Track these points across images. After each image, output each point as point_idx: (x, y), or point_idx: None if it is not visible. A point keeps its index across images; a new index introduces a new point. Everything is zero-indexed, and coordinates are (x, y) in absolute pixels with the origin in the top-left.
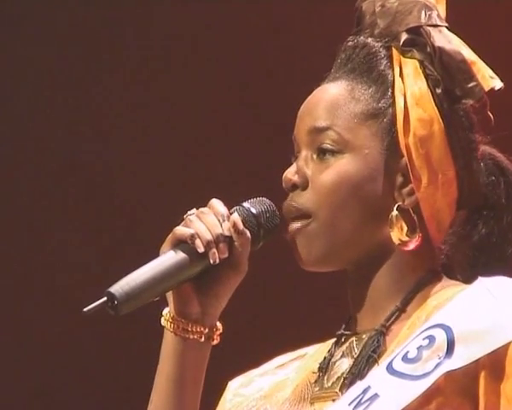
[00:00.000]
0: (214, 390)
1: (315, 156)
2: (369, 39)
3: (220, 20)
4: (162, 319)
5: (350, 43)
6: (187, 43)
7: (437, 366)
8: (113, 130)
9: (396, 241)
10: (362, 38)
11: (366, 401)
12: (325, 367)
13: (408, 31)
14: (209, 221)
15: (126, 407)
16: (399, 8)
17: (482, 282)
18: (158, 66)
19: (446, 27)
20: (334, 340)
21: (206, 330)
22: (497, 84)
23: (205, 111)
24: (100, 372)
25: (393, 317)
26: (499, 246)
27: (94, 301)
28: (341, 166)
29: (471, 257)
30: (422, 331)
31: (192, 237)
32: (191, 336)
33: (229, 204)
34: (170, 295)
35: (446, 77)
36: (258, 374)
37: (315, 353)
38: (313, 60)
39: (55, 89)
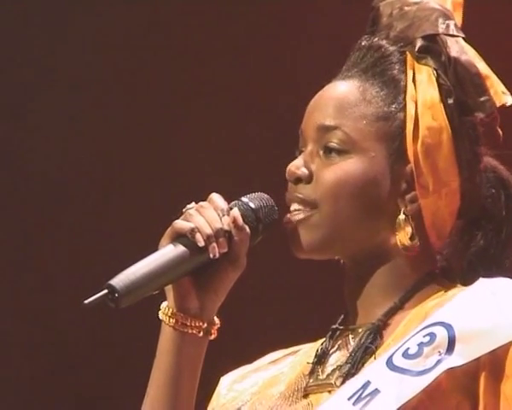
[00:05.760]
0: (206, 385)
1: (321, 153)
2: (384, 41)
3: (231, 15)
4: (160, 313)
5: (364, 43)
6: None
7: (438, 362)
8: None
9: (400, 244)
10: (377, 39)
11: (366, 396)
12: (320, 359)
13: (424, 37)
14: (209, 215)
15: (123, 399)
16: (417, 13)
17: (483, 282)
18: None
19: (463, 39)
20: (328, 335)
21: (205, 324)
22: (509, 100)
23: (205, 106)
24: (96, 365)
25: (391, 313)
26: (497, 258)
27: (94, 294)
28: (347, 166)
29: (469, 265)
30: (423, 329)
31: (192, 230)
32: (190, 331)
33: (228, 198)
34: (169, 290)
35: (459, 88)
36: (251, 370)
37: (309, 350)
38: (315, 59)
39: None
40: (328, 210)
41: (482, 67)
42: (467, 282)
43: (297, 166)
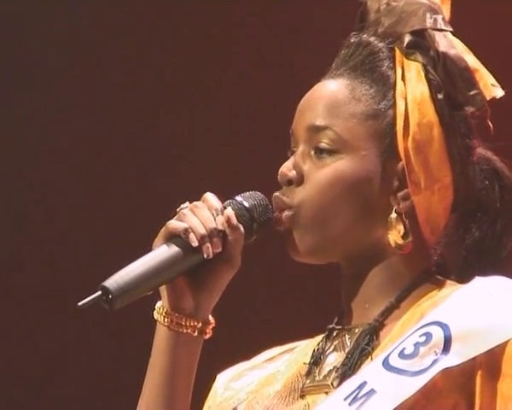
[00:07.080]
0: (202, 384)
1: (312, 153)
2: (373, 38)
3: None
4: (155, 313)
5: (353, 40)
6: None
7: (434, 362)
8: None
9: (393, 243)
10: (365, 35)
11: (362, 396)
12: (317, 360)
13: (412, 33)
14: (203, 215)
15: (118, 400)
16: (405, 8)
17: (479, 281)
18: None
19: (451, 32)
20: (324, 334)
21: (200, 324)
22: (499, 92)
23: (203, 106)
24: (92, 366)
25: (387, 312)
26: (493, 250)
27: (88, 296)
28: (338, 167)
29: (465, 258)
30: (419, 328)
31: (186, 231)
32: (184, 331)
33: (222, 198)
34: (163, 290)
35: (448, 83)
36: (247, 368)
37: (305, 347)
38: (311, 59)
39: None
40: (313, 214)
41: (471, 60)
42: (463, 276)
43: (288, 167)
